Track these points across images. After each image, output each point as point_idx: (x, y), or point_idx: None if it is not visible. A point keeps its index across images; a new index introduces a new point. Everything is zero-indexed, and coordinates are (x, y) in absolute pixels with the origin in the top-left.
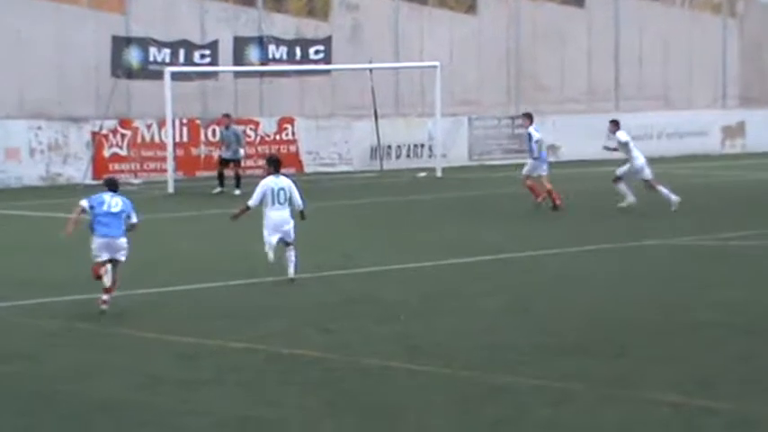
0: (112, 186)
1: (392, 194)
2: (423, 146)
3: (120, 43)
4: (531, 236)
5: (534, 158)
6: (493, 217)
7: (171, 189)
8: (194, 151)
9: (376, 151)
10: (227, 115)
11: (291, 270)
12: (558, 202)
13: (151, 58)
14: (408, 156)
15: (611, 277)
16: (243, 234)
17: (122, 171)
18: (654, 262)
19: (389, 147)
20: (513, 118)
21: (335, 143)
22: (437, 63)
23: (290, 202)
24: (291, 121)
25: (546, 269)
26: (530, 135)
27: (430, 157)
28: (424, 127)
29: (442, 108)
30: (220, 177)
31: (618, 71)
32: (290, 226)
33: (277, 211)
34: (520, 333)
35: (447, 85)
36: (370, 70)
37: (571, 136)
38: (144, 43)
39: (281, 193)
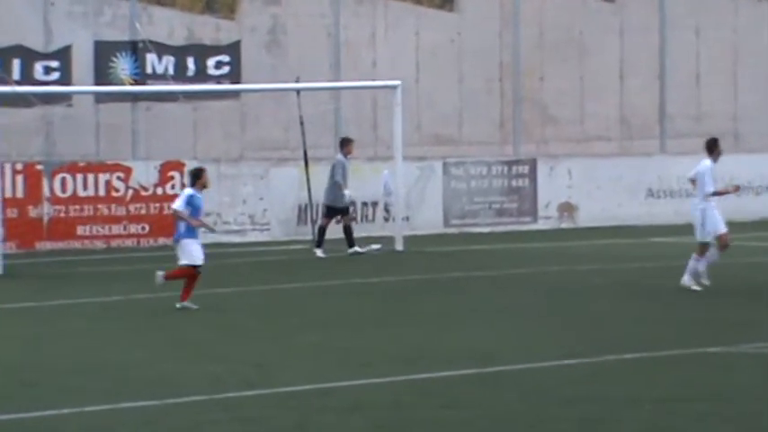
0: None
1: (329, 277)
2: (375, 204)
3: None
4: (534, 339)
5: None
6: (485, 311)
7: None
8: (34, 212)
9: (306, 212)
10: None
11: None
12: None
13: None
14: (355, 219)
15: None
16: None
17: None
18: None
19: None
20: (510, 163)
21: (245, 200)
22: (397, 82)
23: None
24: (180, 167)
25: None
26: None
27: (386, 220)
28: (377, 176)
29: (406, 148)
30: None
31: (664, 95)
32: None
33: None
34: None
35: (412, 115)
36: (298, 92)
37: (596, 190)
38: None
39: None
